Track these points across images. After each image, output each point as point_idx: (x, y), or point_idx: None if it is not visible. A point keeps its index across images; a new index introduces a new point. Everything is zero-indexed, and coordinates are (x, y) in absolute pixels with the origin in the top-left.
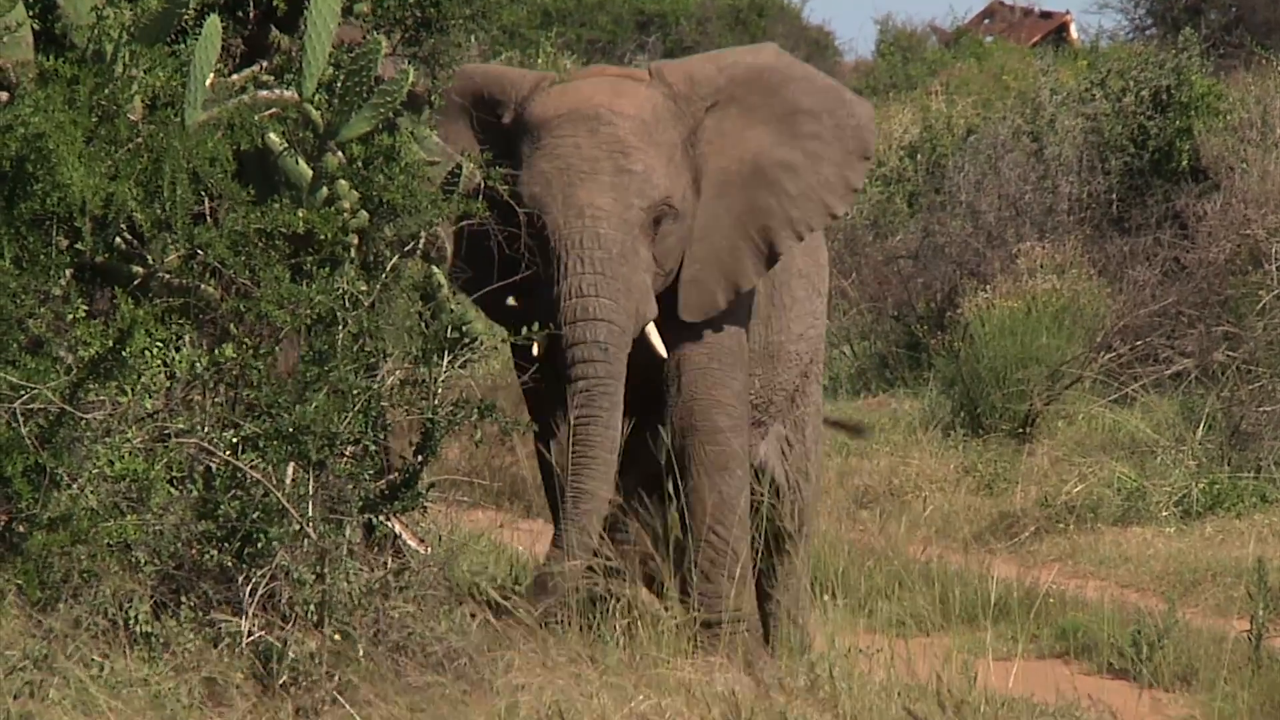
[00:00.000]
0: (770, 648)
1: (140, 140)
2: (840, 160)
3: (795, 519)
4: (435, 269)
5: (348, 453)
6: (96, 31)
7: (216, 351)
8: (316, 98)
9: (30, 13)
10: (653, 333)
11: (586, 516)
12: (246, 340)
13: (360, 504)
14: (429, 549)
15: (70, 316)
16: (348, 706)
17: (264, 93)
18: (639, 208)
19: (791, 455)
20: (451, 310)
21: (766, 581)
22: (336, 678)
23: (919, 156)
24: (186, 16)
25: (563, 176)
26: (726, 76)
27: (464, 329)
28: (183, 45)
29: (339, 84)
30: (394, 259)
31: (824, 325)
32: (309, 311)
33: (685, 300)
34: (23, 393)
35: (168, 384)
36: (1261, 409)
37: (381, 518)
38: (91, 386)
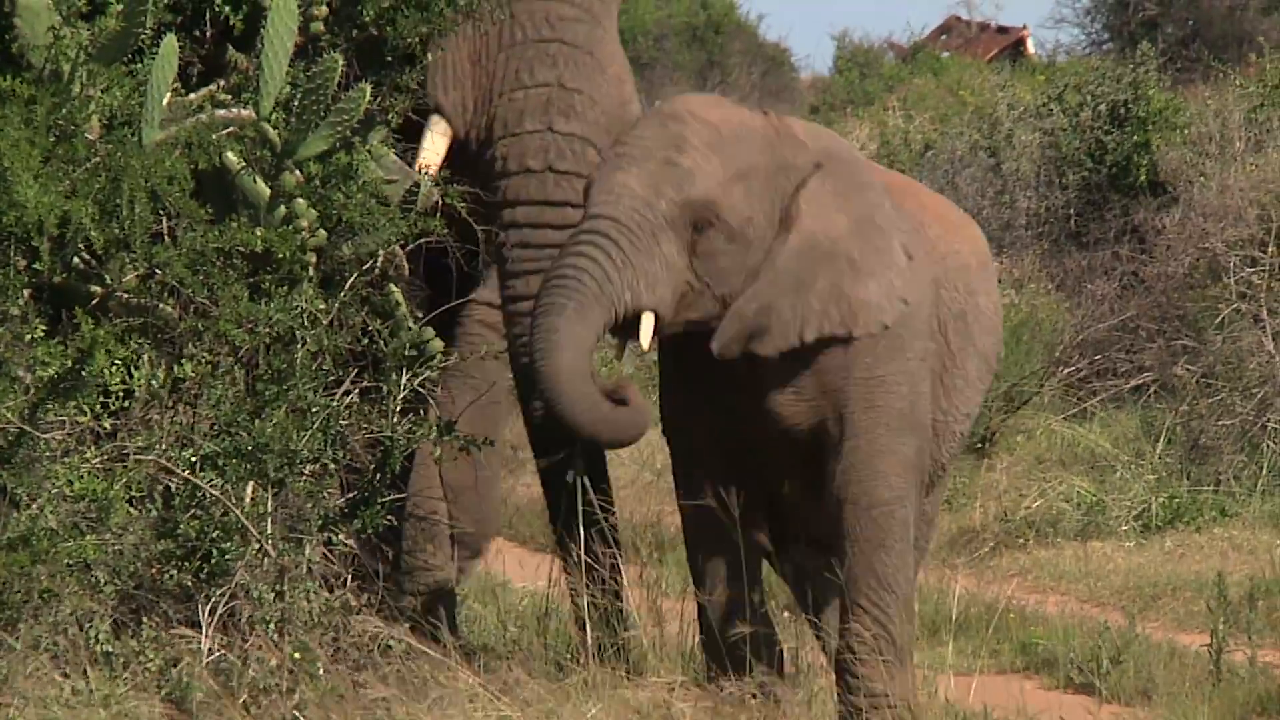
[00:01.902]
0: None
1: (98, 159)
2: (885, 286)
3: (919, 560)
4: (393, 287)
5: (307, 471)
6: (54, 51)
7: (175, 370)
8: (274, 116)
9: None
10: (645, 324)
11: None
12: (205, 359)
13: (320, 522)
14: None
15: (29, 336)
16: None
17: (221, 112)
18: (670, 199)
19: (923, 518)
20: (409, 328)
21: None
22: (296, 695)
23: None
24: (143, 36)
25: (615, 163)
26: (824, 146)
27: (422, 347)
28: (140, 64)
29: (296, 103)
30: (352, 277)
31: (978, 397)
32: (267, 330)
33: (720, 329)
34: None
35: (127, 403)
36: (1220, 423)
37: (341, 536)
38: (50, 406)
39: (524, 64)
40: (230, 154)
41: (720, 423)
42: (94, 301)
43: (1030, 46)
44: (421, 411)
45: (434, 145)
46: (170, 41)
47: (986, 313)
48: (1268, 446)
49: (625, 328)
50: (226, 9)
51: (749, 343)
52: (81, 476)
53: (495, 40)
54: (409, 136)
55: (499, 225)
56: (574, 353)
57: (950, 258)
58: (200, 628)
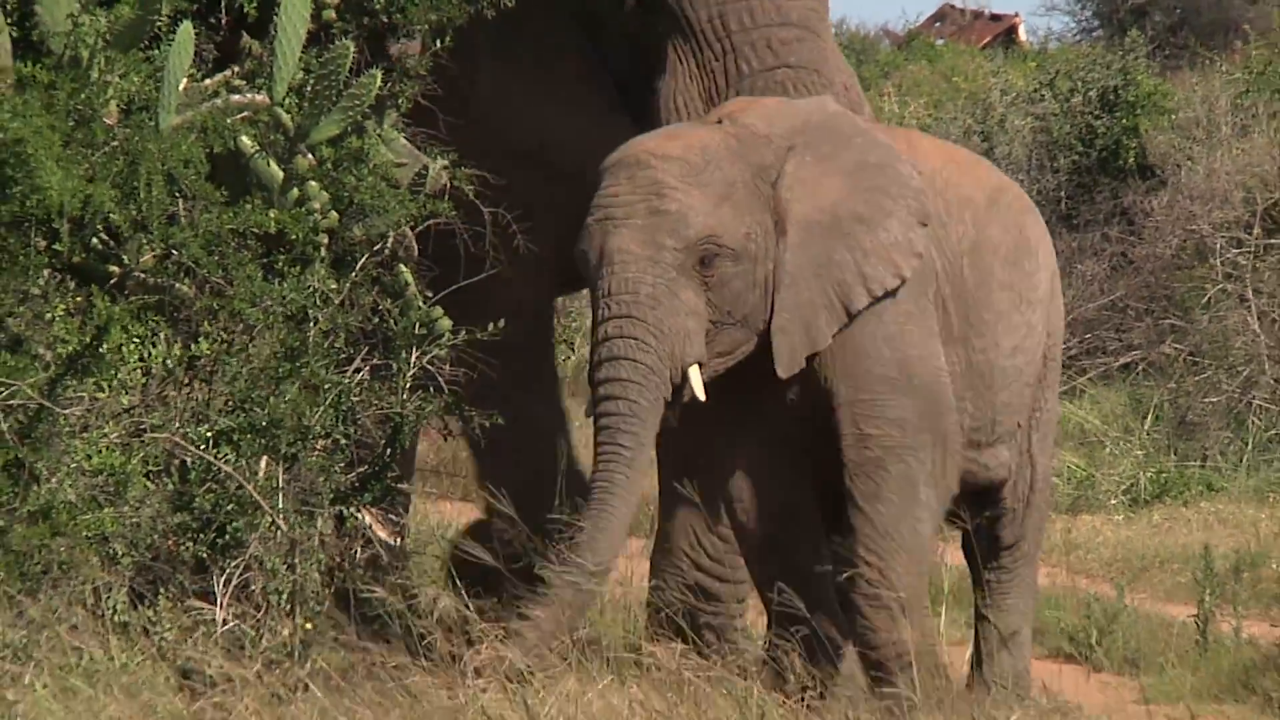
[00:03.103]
0: (981, 676)
1: (116, 144)
2: (905, 220)
3: (1014, 531)
4: (403, 267)
5: (319, 446)
6: (73, 38)
7: (191, 348)
8: (287, 101)
9: (8, 20)
10: (694, 376)
11: (581, 554)
12: (220, 337)
13: (331, 496)
14: (398, 540)
15: (48, 315)
16: (318, 692)
17: (236, 97)
18: (672, 248)
19: (1025, 474)
20: (419, 307)
21: (981, 600)
22: (309, 664)
23: None
24: (160, 23)
25: (601, 228)
26: (801, 119)
27: (431, 325)
28: (157, 51)
29: (309, 88)
30: (363, 258)
31: (1045, 334)
32: (281, 309)
33: (776, 353)
34: (2, 389)
35: (143, 380)
36: (1207, 400)
37: (352, 509)
38: (69, 383)
39: (756, 94)
40: (245, 138)
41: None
42: (112, 281)
43: (1022, 34)
44: (430, 389)
45: None
46: (186, 28)
47: (1002, 246)
48: (1253, 423)
49: (676, 391)
50: None
51: (809, 348)
52: (99, 451)
53: (723, 75)
54: (419, 121)
55: None
56: (634, 488)
57: (950, 190)
58: (215, 599)
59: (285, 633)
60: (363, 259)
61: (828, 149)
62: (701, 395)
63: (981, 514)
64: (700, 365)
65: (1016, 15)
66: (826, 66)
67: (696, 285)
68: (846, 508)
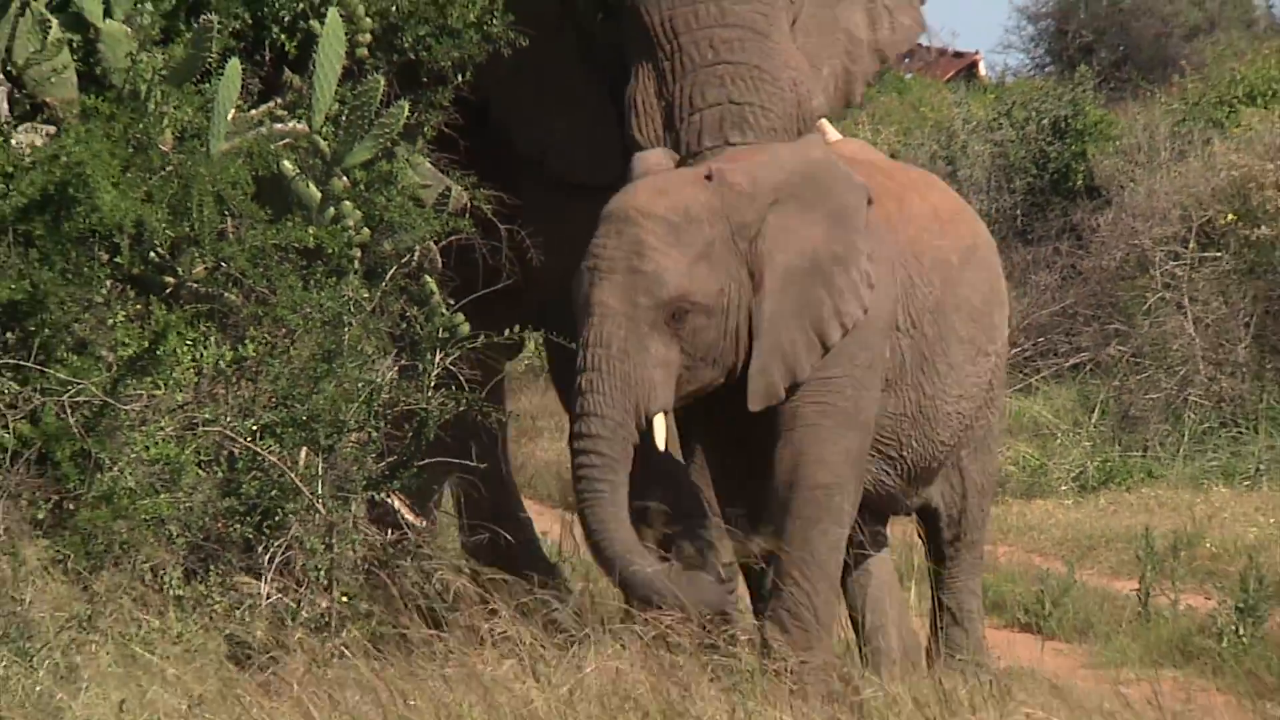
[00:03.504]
0: (939, 649)
1: (171, 168)
2: (870, 256)
3: (953, 530)
4: (428, 278)
5: (353, 439)
6: (132, 73)
7: (238, 350)
8: (324, 130)
9: (74, 56)
10: (658, 426)
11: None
12: (264, 340)
13: (364, 483)
14: (425, 522)
15: (110, 321)
16: (354, 659)
17: (278, 125)
18: (646, 306)
19: (955, 485)
20: (442, 314)
21: (935, 584)
22: (344, 633)
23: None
24: (210, 60)
25: (589, 277)
26: (785, 173)
27: (453, 330)
28: (207, 85)
29: (344, 118)
30: (392, 270)
31: (989, 380)
32: (318, 315)
33: (751, 389)
34: (70, 388)
35: (196, 379)
36: (1148, 396)
37: (382, 495)
38: (129, 382)
39: (696, 88)
40: (286, 162)
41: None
42: (168, 290)
43: (982, 69)
44: (453, 386)
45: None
46: (234, 65)
47: (970, 302)
48: (1188, 417)
49: (644, 434)
50: (283, 36)
51: (789, 381)
52: (156, 443)
53: (671, 73)
54: (443, 147)
55: None
56: (623, 533)
57: (927, 254)
58: (260, 575)
59: (323, 605)
60: (391, 270)
61: (810, 197)
62: (662, 446)
63: (923, 520)
64: (665, 413)
65: (977, 52)
66: (770, 63)
67: (668, 338)
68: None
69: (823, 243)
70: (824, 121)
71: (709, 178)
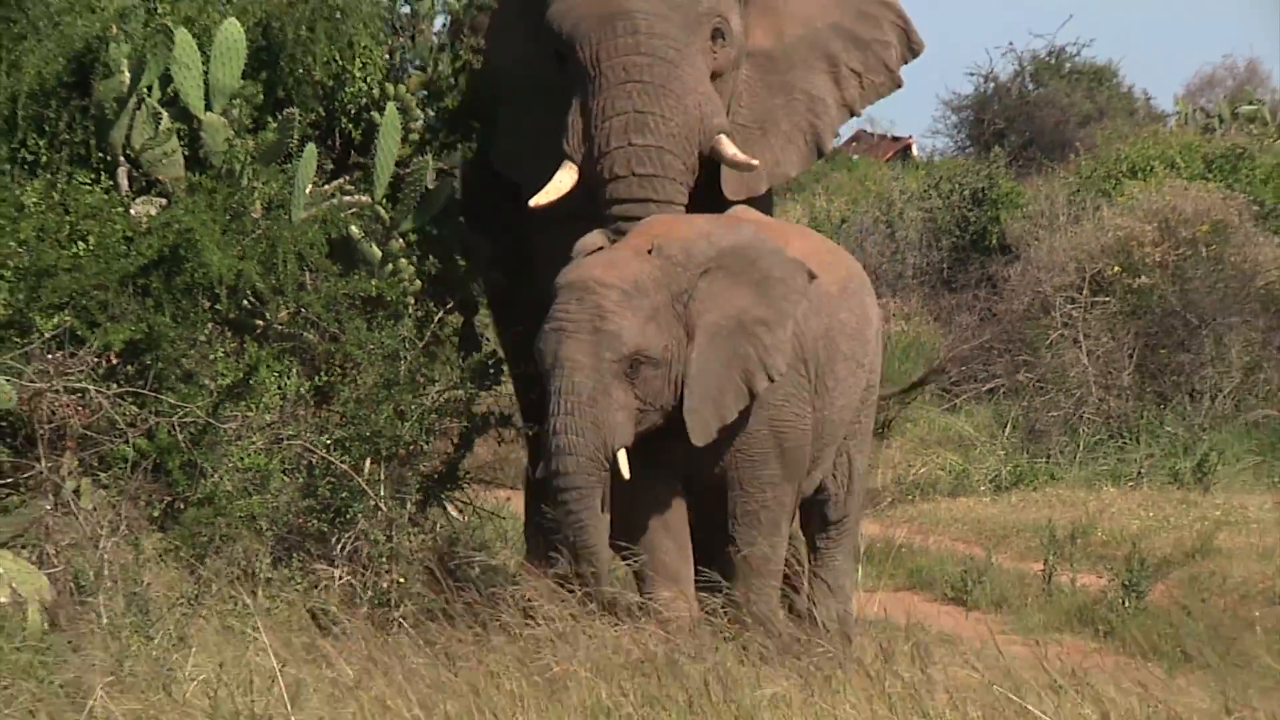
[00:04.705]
0: (814, 618)
1: (260, 232)
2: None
3: (838, 511)
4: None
5: (408, 450)
6: (229, 155)
7: (315, 379)
8: (383, 201)
9: (182, 142)
10: (622, 459)
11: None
12: (336, 371)
13: (417, 487)
14: (466, 518)
15: (212, 356)
16: (410, 630)
17: (347, 198)
18: (609, 359)
19: (843, 470)
20: (482, 349)
21: (813, 561)
22: (402, 608)
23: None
24: (292, 144)
25: (555, 336)
26: (715, 249)
27: (492, 362)
28: (290, 164)
29: (399, 192)
30: (439, 314)
31: (867, 385)
32: (379, 351)
33: (690, 427)
34: (179, 410)
35: (281, 403)
36: (1050, 414)
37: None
38: (227, 405)
39: (609, 101)
40: (353, 227)
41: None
42: (258, 331)
43: (915, 150)
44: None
45: (557, 185)
46: (311, 149)
47: (849, 325)
48: (1083, 431)
49: (610, 467)
50: (350, 126)
51: (719, 422)
52: (249, 455)
53: (594, 94)
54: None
55: (605, 217)
56: (603, 554)
57: (814, 289)
58: (333, 561)
59: (384, 585)
60: (439, 314)
61: (738, 268)
62: (627, 475)
63: (813, 503)
64: (626, 449)
65: (910, 137)
66: (676, 85)
67: (626, 385)
68: (721, 533)
69: (749, 307)
70: (722, 137)
71: (650, 252)
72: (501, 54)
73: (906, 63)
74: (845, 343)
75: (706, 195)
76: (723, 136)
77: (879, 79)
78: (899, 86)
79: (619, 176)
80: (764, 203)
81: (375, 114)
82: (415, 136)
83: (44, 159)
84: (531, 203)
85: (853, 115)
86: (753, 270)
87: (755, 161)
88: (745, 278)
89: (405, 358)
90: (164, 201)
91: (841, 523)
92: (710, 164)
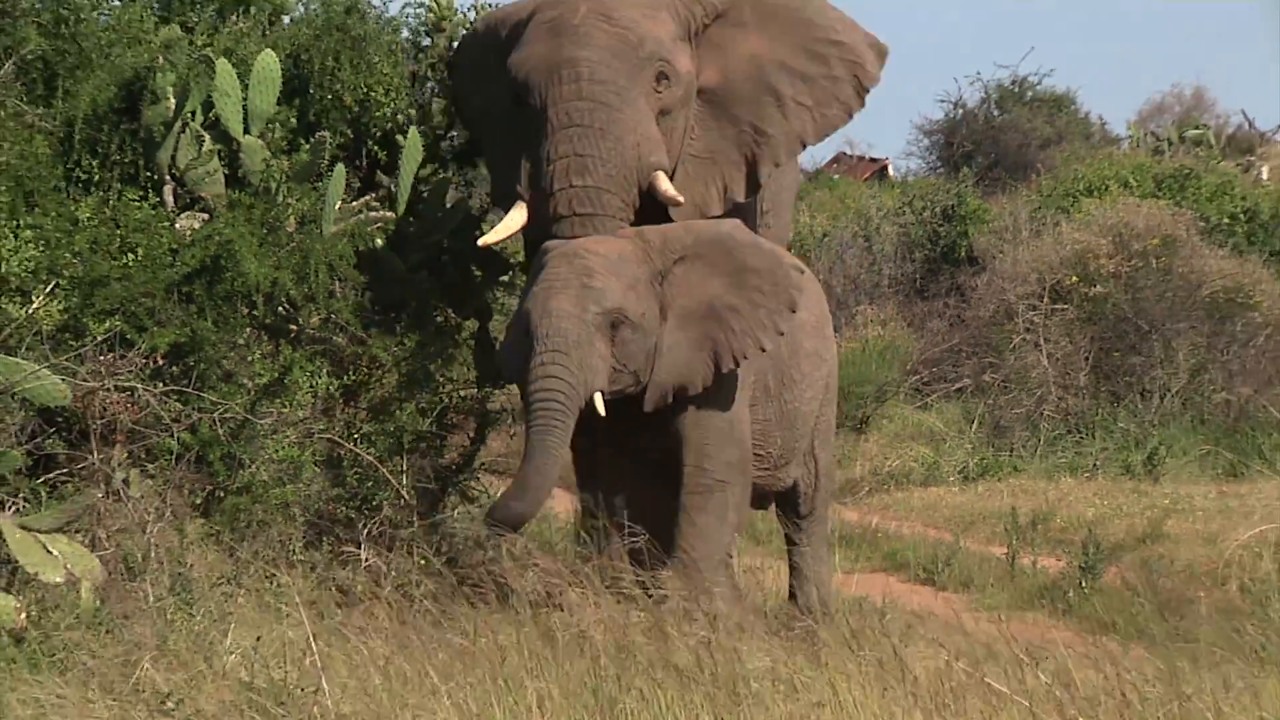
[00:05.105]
0: (795, 603)
1: (294, 244)
2: (773, 309)
3: (808, 506)
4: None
5: (428, 444)
6: (265, 174)
7: (343, 379)
8: (406, 216)
9: (222, 162)
10: (598, 400)
11: (520, 495)
12: (363, 372)
13: (435, 477)
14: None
15: (249, 357)
16: (431, 607)
17: (373, 213)
18: (594, 312)
19: (810, 468)
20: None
21: (791, 551)
22: (423, 586)
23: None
24: (323, 164)
25: (544, 292)
26: (694, 238)
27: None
28: (321, 183)
29: (420, 208)
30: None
31: (828, 379)
32: (402, 354)
33: (648, 395)
34: (219, 407)
35: (312, 400)
36: (1013, 411)
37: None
38: (264, 402)
39: (554, 145)
40: (379, 240)
41: (619, 438)
42: (292, 335)
43: (891, 170)
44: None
45: (508, 224)
46: (340, 169)
47: (809, 322)
48: (1043, 427)
49: (586, 406)
50: (376, 148)
51: (678, 392)
52: (283, 447)
53: (543, 135)
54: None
55: None
56: (553, 472)
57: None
58: (360, 545)
59: (406, 567)
60: (457, 320)
61: (715, 258)
62: (602, 412)
63: (785, 498)
64: (601, 393)
65: (887, 158)
66: (615, 127)
67: (607, 341)
68: (677, 510)
69: (721, 294)
70: (659, 174)
71: (634, 237)
72: (479, 95)
73: (864, 94)
74: (807, 340)
75: (664, 217)
76: (659, 173)
77: (831, 111)
78: (853, 117)
79: (562, 216)
80: (750, 220)
81: (399, 137)
82: (444, 155)
83: (97, 178)
84: (480, 241)
85: (805, 146)
86: (728, 260)
87: (681, 199)
88: (721, 267)
89: (424, 361)
90: (206, 216)
91: (811, 515)
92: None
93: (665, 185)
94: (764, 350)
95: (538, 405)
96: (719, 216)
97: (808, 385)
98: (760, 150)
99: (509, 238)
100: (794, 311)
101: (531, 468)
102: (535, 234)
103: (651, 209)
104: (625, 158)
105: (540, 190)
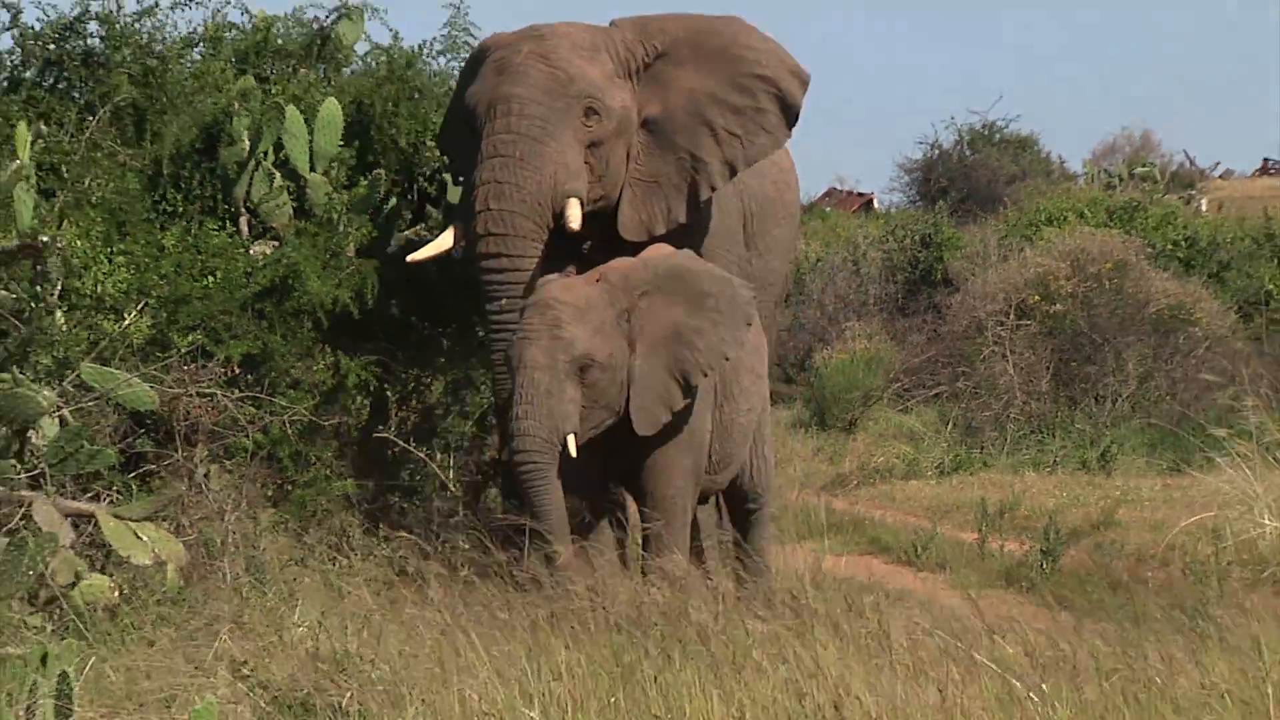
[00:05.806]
0: (742, 587)
1: (353, 267)
2: (731, 324)
3: (753, 494)
4: None
5: (470, 443)
6: (328, 206)
7: (397, 385)
8: None
9: (290, 196)
10: (570, 442)
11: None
12: (414, 379)
13: (476, 470)
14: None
15: (315, 366)
16: (479, 583)
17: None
18: (563, 361)
19: (751, 466)
20: None
21: (740, 538)
22: (467, 570)
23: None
24: (379, 198)
25: (520, 344)
26: (652, 273)
27: None
28: (378, 214)
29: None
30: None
31: (764, 395)
32: (447, 363)
33: (637, 421)
34: (288, 410)
35: (369, 404)
36: (983, 414)
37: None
38: (325, 405)
39: (481, 172)
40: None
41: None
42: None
43: (876, 203)
44: None
45: (437, 243)
46: (394, 202)
47: (749, 342)
48: (1009, 428)
49: (561, 450)
50: (426, 183)
51: (666, 415)
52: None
53: (477, 163)
54: None
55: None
56: (558, 516)
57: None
58: (411, 530)
59: (451, 547)
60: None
61: (673, 288)
62: (574, 454)
63: (730, 496)
64: (574, 434)
65: (872, 193)
66: (535, 159)
67: (576, 384)
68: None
69: (684, 319)
70: (572, 201)
71: (598, 280)
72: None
73: (790, 120)
74: (747, 357)
75: (618, 240)
76: (572, 200)
77: (759, 140)
78: (781, 144)
79: (479, 236)
80: (697, 244)
81: (447, 175)
82: None
83: (181, 209)
84: (409, 258)
85: (735, 172)
86: (687, 288)
87: (577, 226)
88: (680, 295)
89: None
90: (276, 243)
91: (757, 507)
92: (611, 211)
93: (572, 212)
94: (728, 360)
95: (521, 461)
96: (663, 240)
97: (745, 399)
98: (698, 175)
99: (436, 256)
100: (750, 325)
101: (537, 520)
102: (467, 252)
103: (610, 230)
104: (541, 185)
105: (469, 212)
